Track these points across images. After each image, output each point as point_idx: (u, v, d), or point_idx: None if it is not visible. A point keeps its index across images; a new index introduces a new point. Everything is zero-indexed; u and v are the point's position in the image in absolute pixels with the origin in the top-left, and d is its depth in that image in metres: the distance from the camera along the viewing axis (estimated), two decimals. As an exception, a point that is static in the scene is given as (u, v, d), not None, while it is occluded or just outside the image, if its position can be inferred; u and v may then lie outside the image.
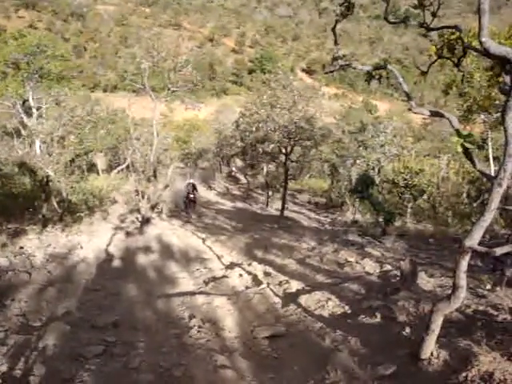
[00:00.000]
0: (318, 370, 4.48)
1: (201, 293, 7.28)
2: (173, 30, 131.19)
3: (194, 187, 19.20)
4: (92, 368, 4.53)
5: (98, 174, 23.83)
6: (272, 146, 18.78)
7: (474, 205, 19.42)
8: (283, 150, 18.02)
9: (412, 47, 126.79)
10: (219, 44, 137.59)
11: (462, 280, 3.94)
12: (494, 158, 13.46)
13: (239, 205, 24.48)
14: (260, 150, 19.76)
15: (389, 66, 4.51)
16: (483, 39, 3.24)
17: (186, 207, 18.98)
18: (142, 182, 15.09)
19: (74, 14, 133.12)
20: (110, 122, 24.73)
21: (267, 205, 23.47)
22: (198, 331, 5.51)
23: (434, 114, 4.16)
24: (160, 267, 9.38)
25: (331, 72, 5.00)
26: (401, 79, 4.32)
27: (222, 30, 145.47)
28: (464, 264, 3.90)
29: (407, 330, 5.18)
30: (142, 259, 10.16)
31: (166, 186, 16.01)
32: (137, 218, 14.62)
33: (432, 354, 4.23)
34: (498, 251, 3.58)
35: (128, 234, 12.94)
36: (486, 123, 11.03)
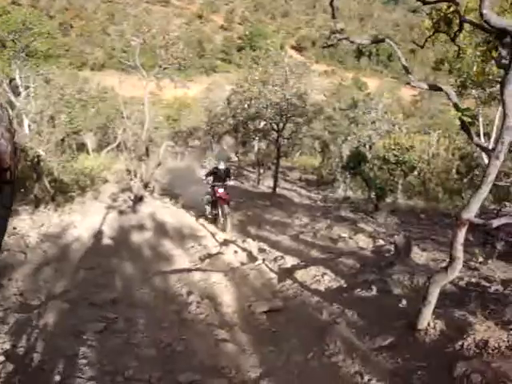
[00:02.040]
0: (316, 343, 4.56)
1: (197, 269, 7.31)
2: (161, 6, 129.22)
3: (228, 174, 12.18)
4: (94, 344, 4.57)
5: (87, 153, 23.69)
6: (264, 123, 18.75)
7: (464, 180, 19.59)
8: (275, 127, 17.97)
9: (402, 23, 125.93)
10: (208, 21, 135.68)
11: (459, 251, 4.01)
12: (485, 134, 13.52)
13: (230, 182, 24.43)
14: (251, 127, 19.73)
15: (387, 40, 4.51)
16: (484, 11, 3.25)
17: (214, 209, 11.88)
18: (133, 160, 15.03)
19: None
20: (100, 101, 24.50)
21: (258, 182, 23.47)
22: (197, 307, 5.55)
23: (433, 87, 4.18)
24: (155, 245, 9.40)
25: (329, 46, 4.99)
26: (399, 53, 4.32)
27: (211, 6, 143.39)
28: (461, 236, 3.97)
29: (403, 302, 5.27)
30: (136, 237, 10.16)
31: (159, 165, 15.94)
32: (129, 197, 14.58)
33: (429, 324, 4.33)
34: (495, 223, 3.65)
35: (121, 212, 12.92)
36: (478, 99, 11.08)
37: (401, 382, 3.65)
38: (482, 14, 3.28)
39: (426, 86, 4.21)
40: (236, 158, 30.39)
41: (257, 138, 22.33)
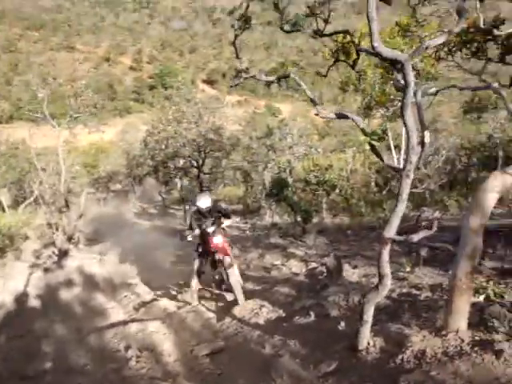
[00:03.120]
0: (263, 379, 4.52)
1: (133, 320, 7.07)
2: (66, 52, 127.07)
3: (221, 212, 7.94)
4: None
5: (3, 210, 22.53)
6: (183, 161, 18.77)
7: (384, 192, 20.48)
8: (195, 164, 18.01)
9: (306, 49, 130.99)
10: (116, 63, 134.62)
11: (386, 269, 4.17)
12: (395, 147, 14.25)
13: (157, 223, 24.06)
14: (171, 166, 19.72)
15: (292, 75, 4.68)
16: (375, 44, 3.47)
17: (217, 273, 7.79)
18: (53, 213, 14.46)
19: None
20: (12, 156, 23.47)
21: (185, 220, 23.27)
22: (137, 361, 5.34)
23: (340, 116, 4.38)
24: (86, 300, 9.03)
25: (236, 85, 5.12)
26: (304, 86, 4.50)
27: (118, 48, 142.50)
28: (386, 254, 4.13)
29: (342, 324, 5.37)
30: (65, 295, 9.71)
31: (81, 216, 15.42)
32: (53, 252, 13.96)
33: (368, 343, 4.43)
34: (415, 238, 3.83)
35: (46, 270, 12.31)
36: (384, 116, 11.74)
37: (349, 406, 3.70)
38: (373, 47, 3.49)
39: (333, 116, 4.40)
40: (160, 198, 30.14)
41: (178, 176, 22.31)
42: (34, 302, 9.33)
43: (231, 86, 4.82)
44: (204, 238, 7.59)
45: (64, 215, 14.64)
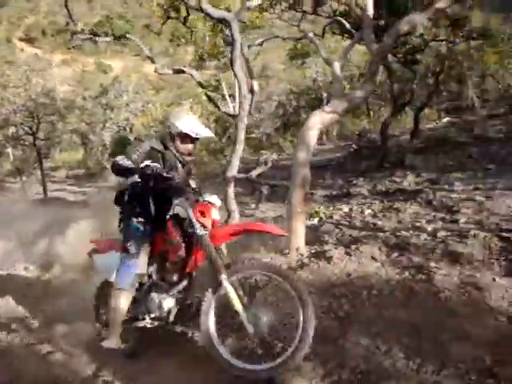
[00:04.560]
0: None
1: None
2: None
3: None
4: None
5: None
6: (15, 128, 17.64)
7: (223, 140, 21.35)
8: (29, 131, 17.04)
9: (130, 0, 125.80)
10: None
11: (233, 205, 4.77)
12: (230, 95, 14.99)
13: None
14: (1, 136, 18.44)
15: (129, 36, 4.89)
16: (204, 6, 3.86)
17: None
18: None
19: None
20: None
21: (25, 191, 22.04)
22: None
23: (177, 71, 4.75)
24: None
25: (74, 47, 5.18)
26: (142, 45, 4.76)
27: None
28: (231, 191, 4.72)
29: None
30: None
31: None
32: None
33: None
34: (254, 174, 4.45)
35: None
36: (218, 67, 12.24)
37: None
38: (202, 9, 3.89)
39: (170, 72, 4.76)
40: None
41: (10, 146, 20.89)
42: None
43: (69, 48, 4.89)
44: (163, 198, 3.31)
45: None
